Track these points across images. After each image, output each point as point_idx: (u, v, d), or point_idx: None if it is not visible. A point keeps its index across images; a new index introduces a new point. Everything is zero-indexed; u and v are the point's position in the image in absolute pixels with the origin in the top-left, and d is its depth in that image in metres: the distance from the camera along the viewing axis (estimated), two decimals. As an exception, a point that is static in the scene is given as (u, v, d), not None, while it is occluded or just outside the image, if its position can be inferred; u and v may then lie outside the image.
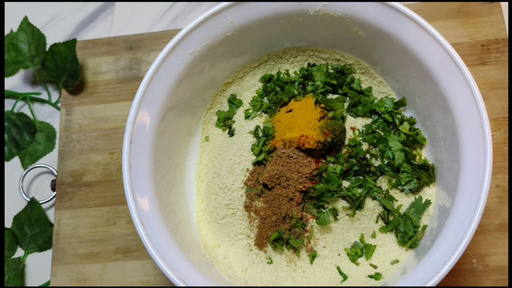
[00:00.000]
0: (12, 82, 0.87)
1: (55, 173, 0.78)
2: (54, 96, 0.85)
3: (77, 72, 0.79)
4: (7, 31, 0.88)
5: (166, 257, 0.55)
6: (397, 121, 0.67)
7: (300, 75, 0.72)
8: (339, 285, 0.63)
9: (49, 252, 0.77)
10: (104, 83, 0.81)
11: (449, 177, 0.60)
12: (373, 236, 0.65)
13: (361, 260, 0.64)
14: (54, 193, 0.77)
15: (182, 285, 0.54)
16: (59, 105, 0.84)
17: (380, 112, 0.69)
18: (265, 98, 0.73)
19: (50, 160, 0.82)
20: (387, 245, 0.65)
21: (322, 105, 0.68)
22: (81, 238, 0.74)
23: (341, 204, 0.64)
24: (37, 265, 0.78)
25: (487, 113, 0.55)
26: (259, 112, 0.72)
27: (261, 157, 0.66)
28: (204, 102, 0.72)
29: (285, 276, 0.64)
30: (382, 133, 0.67)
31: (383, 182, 0.66)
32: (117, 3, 0.90)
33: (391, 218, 0.65)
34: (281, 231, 0.64)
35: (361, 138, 0.67)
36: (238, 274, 0.64)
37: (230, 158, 0.68)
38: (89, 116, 0.79)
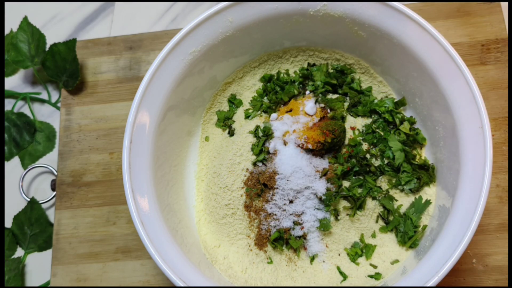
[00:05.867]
0: (12, 82, 0.87)
1: (55, 173, 0.78)
2: (54, 96, 0.85)
3: (77, 72, 0.79)
4: (7, 31, 0.88)
5: (166, 257, 0.55)
6: (397, 121, 0.67)
7: (300, 75, 0.72)
8: (339, 285, 0.63)
9: (49, 252, 0.77)
10: (104, 83, 0.81)
11: (449, 177, 0.60)
12: (373, 236, 0.65)
13: (361, 260, 0.64)
14: (54, 193, 0.77)
15: (182, 285, 0.54)
16: (59, 105, 0.84)
17: (380, 112, 0.69)
18: (265, 98, 0.73)
19: (50, 160, 0.82)
20: (387, 245, 0.65)
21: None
22: (81, 238, 0.74)
23: (342, 204, 0.64)
24: (37, 265, 0.78)
25: (487, 113, 0.55)
26: (259, 112, 0.72)
27: (261, 157, 0.66)
28: (204, 102, 0.72)
29: (285, 276, 0.64)
30: (382, 133, 0.67)
31: (383, 182, 0.66)
32: (117, 3, 0.90)
33: (391, 218, 0.65)
34: (281, 231, 0.64)
35: (361, 138, 0.67)
36: (238, 274, 0.64)
37: (230, 158, 0.68)
38: (89, 116, 0.79)
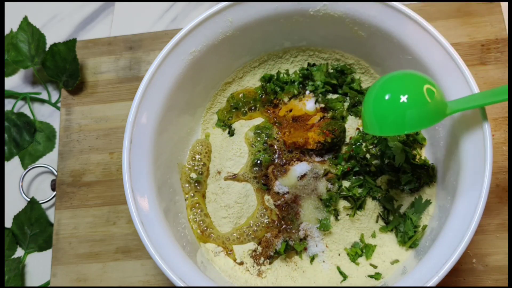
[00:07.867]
0: (12, 82, 0.87)
1: (55, 173, 0.78)
2: (54, 96, 0.85)
3: (77, 72, 0.79)
4: (7, 31, 0.88)
5: (166, 257, 0.55)
6: (397, 121, 0.67)
7: (300, 75, 0.72)
8: (339, 285, 0.63)
9: (49, 252, 0.77)
10: (104, 83, 0.81)
11: (449, 177, 0.60)
12: (373, 236, 0.65)
13: (361, 260, 0.64)
14: (54, 193, 0.77)
15: (182, 285, 0.54)
16: (59, 105, 0.84)
17: (380, 112, 0.69)
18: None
19: (50, 160, 0.82)
20: (387, 245, 0.65)
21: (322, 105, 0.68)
22: (81, 238, 0.74)
23: (342, 204, 0.64)
24: (37, 265, 0.77)
25: (487, 113, 0.55)
26: (259, 112, 0.72)
27: (260, 156, 0.66)
28: (204, 102, 0.72)
29: (285, 276, 0.64)
30: (382, 133, 0.67)
31: (383, 182, 0.66)
32: (117, 3, 0.90)
33: (391, 218, 0.65)
34: (285, 237, 0.64)
35: (361, 138, 0.67)
36: (238, 274, 0.64)
37: (230, 158, 0.68)
38: (89, 116, 0.79)
